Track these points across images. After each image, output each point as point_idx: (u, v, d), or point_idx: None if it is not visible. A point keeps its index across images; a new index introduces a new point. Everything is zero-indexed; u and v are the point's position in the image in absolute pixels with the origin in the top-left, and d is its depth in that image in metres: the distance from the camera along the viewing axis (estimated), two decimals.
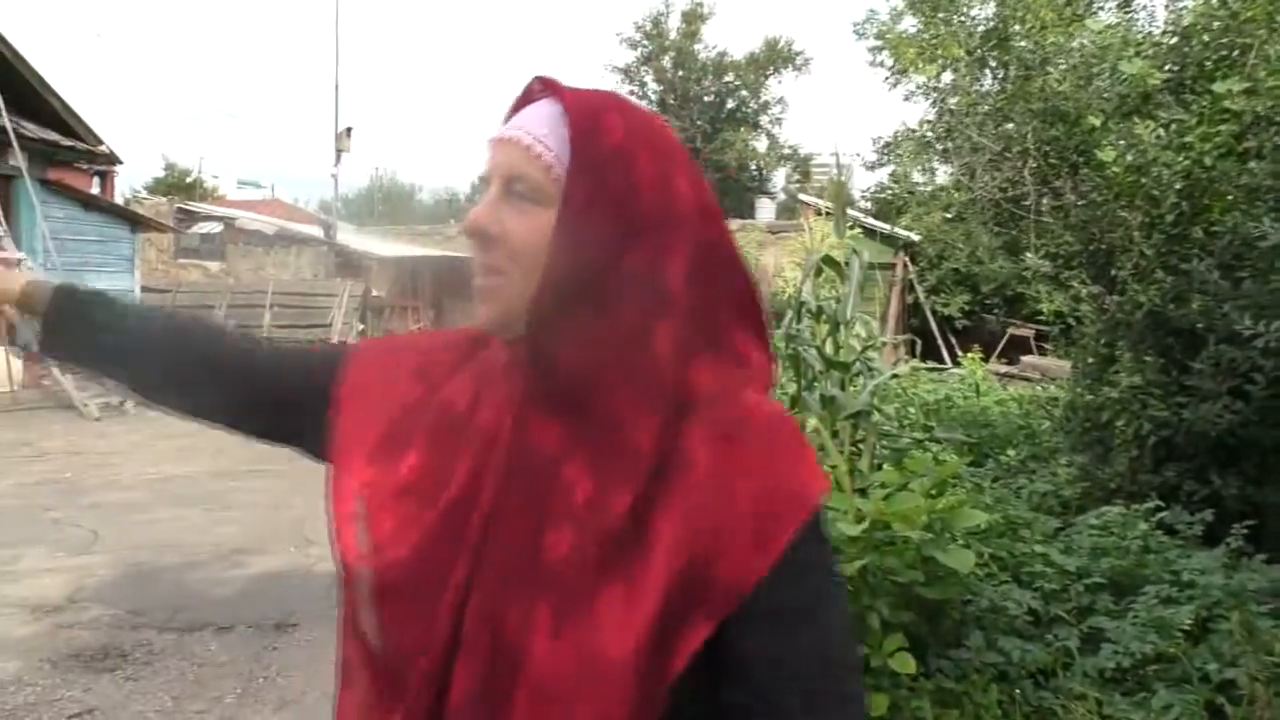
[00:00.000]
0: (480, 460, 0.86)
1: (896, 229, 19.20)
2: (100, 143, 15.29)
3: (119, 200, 19.02)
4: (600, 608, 0.79)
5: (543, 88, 0.90)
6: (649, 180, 0.85)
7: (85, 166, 15.96)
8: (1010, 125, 7.65)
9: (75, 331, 1.12)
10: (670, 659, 0.79)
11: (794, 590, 0.81)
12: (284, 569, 5.84)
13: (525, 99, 0.91)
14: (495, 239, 0.85)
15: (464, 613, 0.82)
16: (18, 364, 13.08)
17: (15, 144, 12.88)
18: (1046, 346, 15.52)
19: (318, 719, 3.89)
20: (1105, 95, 5.88)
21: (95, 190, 16.57)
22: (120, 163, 16.32)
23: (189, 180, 34.96)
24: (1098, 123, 5.80)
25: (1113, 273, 5.34)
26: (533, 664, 0.79)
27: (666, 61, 36.03)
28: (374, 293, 22.69)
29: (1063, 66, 6.70)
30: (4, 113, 12.75)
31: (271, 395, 1.08)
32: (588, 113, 0.85)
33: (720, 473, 0.82)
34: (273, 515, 7.17)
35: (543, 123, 0.86)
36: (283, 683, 4.20)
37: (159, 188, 33.50)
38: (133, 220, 17.00)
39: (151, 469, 8.92)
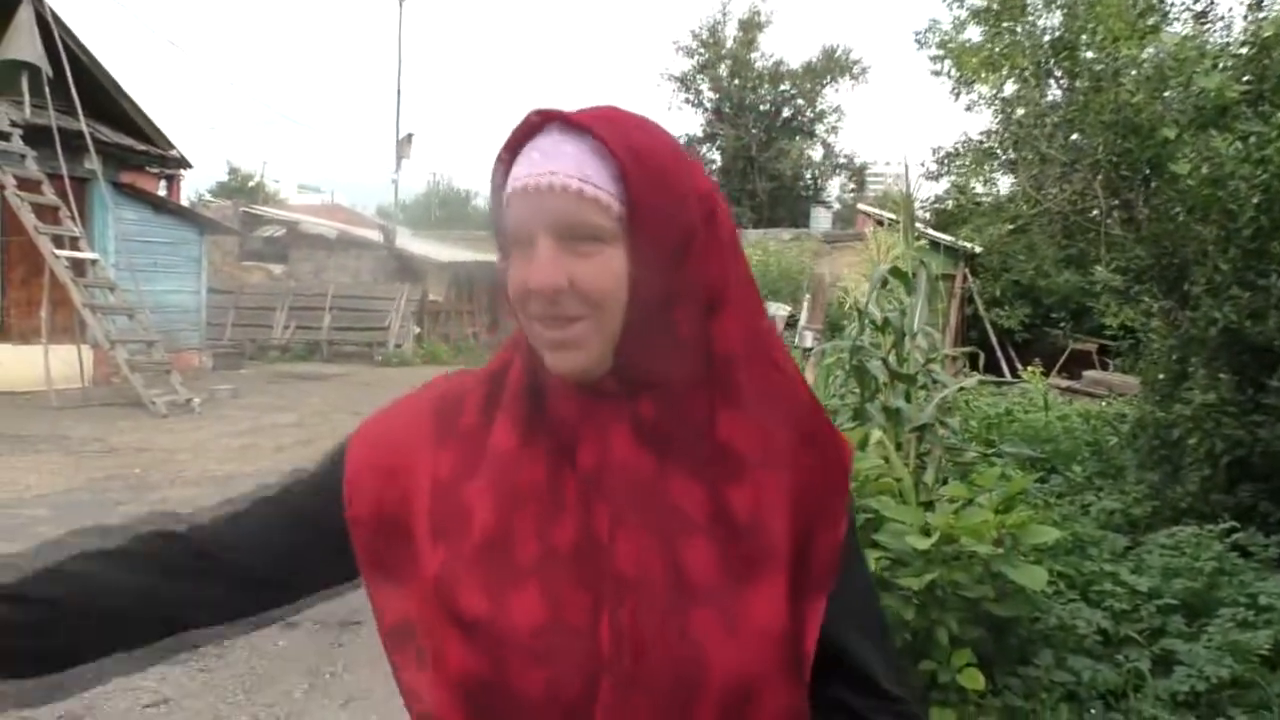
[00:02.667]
0: (582, 499, 0.85)
1: (957, 240, 18.97)
2: (171, 147, 15.71)
3: (185, 204, 19.52)
4: (756, 600, 0.85)
5: (546, 120, 0.86)
6: (682, 192, 0.86)
7: (156, 170, 16.39)
8: (1079, 137, 7.53)
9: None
10: (804, 636, 0.88)
11: (851, 541, 0.95)
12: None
13: (526, 134, 0.86)
14: (565, 291, 0.83)
15: (623, 649, 0.82)
16: (88, 360, 13.48)
17: (91, 148, 13.29)
18: (1110, 361, 15.22)
19: (386, 714, 3.96)
20: (1180, 107, 5.77)
21: (162, 193, 17.01)
22: (189, 166, 16.74)
23: (252, 184, 35.71)
24: (1172, 135, 5.68)
25: (1186, 287, 5.23)
26: (715, 671, 0.82)
27: (723, 70, 36.00)
28: (431, 296, 22.98)
29: (1135, 77, 6.58)
30: (81, 117, 13.16)
31: (296, 561, 0.99)
32: (623, 138, 0.84)
33: (796, 459, 0.90)
34: None
35: (581, 161, 0.82)
36: (349, 679, 4.28)
37: (223, 191, 34.28)
38: (201, 223, 17.43)
39: (216, 466, 9.13)
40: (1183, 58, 5.92)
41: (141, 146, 15.27)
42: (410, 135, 24.67)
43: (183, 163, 16.50)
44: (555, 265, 0.83)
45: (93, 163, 13.55)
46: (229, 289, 21.31)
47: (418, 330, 21.84)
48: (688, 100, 37.12)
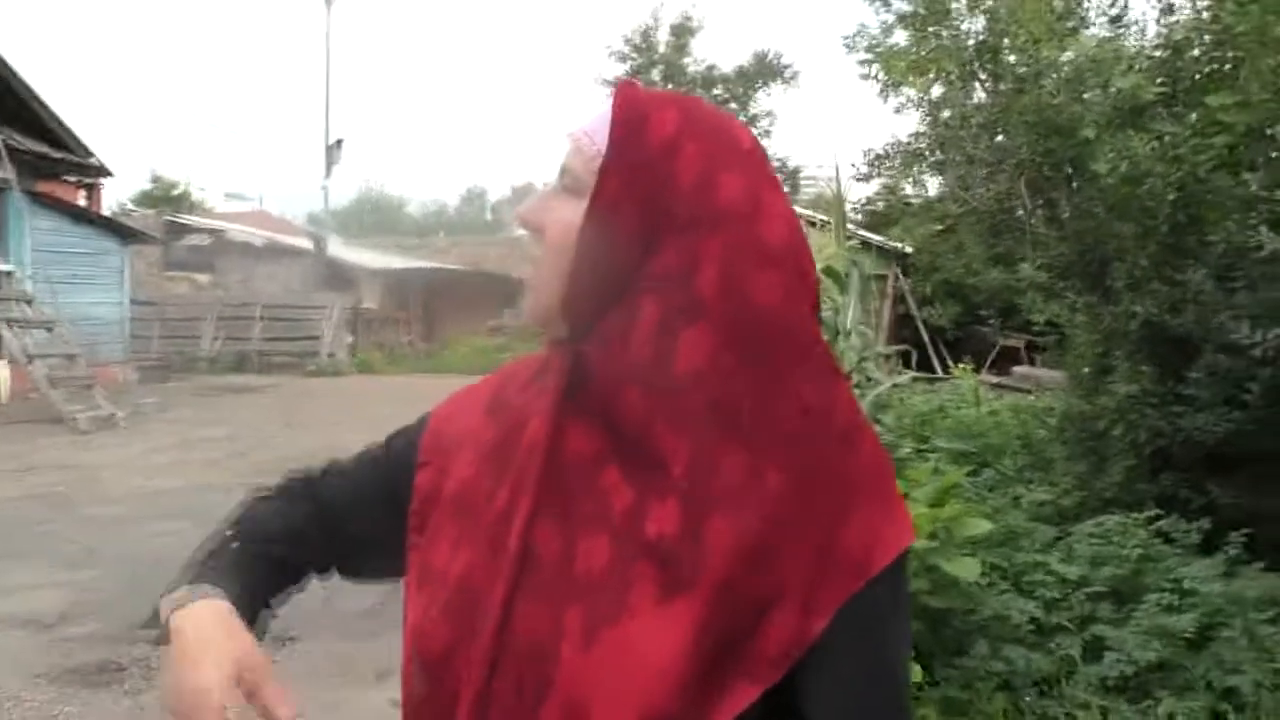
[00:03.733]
0: (521, 470, 0.84)
1: (888, 240, 19.30)
2: (90, 155, 15.26)
3: (106, 213, 18.97)
4: (636, 625, 0.75)
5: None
6: (691, 177, 0.80)
7: (74, 179, 15.92)
8: (1003, 138, 7.71)
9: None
10: (713, 711, 0.74)
11: (857, 652, 0.77)
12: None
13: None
14: (537, 230, 0.85)
15: (505, 626, 0.80)
16: (5, 376, 13.01)
17: (4, 155, 12.85)
18: (1037, 356, 15.60)
19: None
20: (1099, 108, 5.94)
21: (82, 202, 16.52)
22: (110, 175, 16.29)
23: (176, 193, 34.86)
24: (1092, 135, 5.84)
25: (1107, 283, 5.38)
26: (561, 676, 0.76)
27: (656, 75, 36.16)
28: (364, 304, 22.66)
29: (1056, 80, 6.76)
30: None
31: (376, 530, 0.98)
32: (636, 106, 0.82)
33: (771, 512, 0.76)
34: None
35: (597, 117, 0.84)
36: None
37: (146, 201, 33.39)
38: (122, 233, 16.96)
39: (144, 482, 8.87)
40: (1100, 60, 6.10)
41: (58, 154, 14.80)
42: (340, 141, 24.32)
43: (103, 171, 16.05)
44: (541, 201, 0.85)
45: (5, 171, 13.09)
46: (154, 300, 20.76)
47: (351, 339, 21.50)
48: None
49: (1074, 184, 6.29)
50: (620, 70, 36.17)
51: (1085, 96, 6.20)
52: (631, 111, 0.82)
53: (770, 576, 0.75)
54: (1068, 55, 7.46)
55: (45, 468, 9.55)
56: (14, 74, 13.74)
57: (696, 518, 0.76)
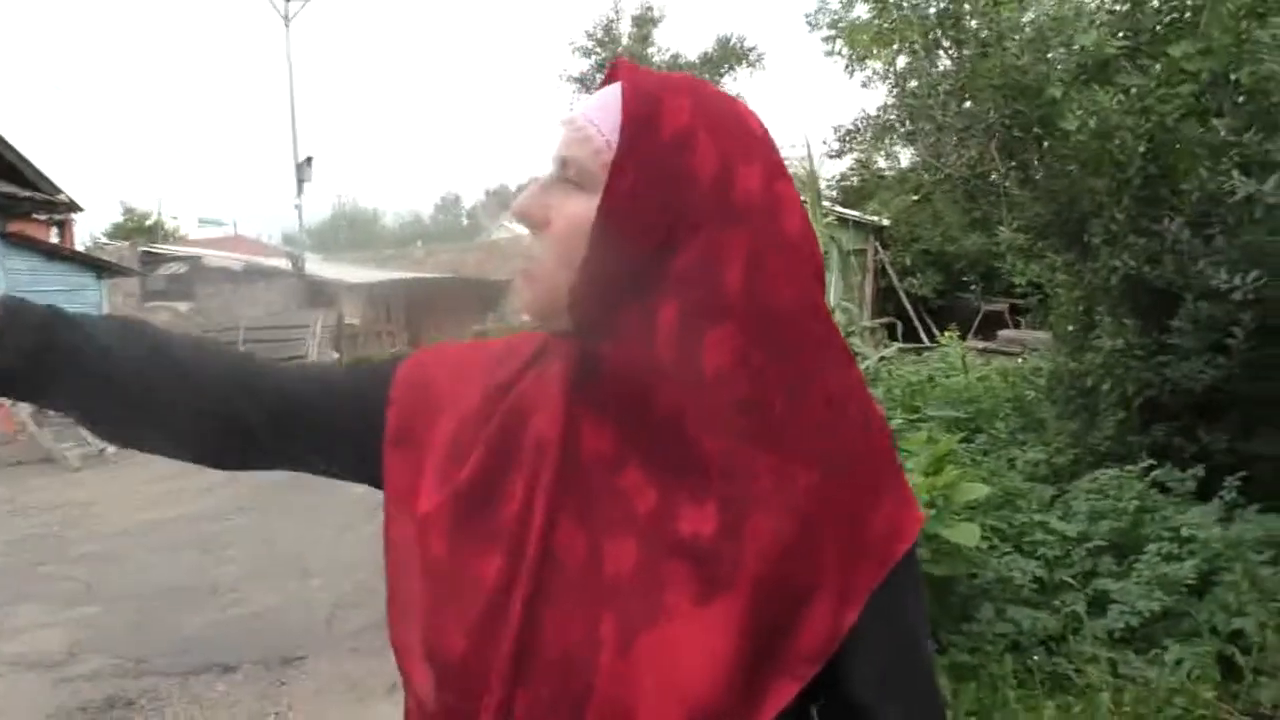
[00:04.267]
0: (533, 468, 0.81)
1: (865, 215, 19.33)
2: (58, 191, 15.13)
3: (80, 248, 18.82)
4: (676, 627, 0.74)
5: (618, 71, 0.83)
6: (707, 172, 0.77)
7: (44, 217, 15.78)
8: (971, 103, 7.71)
9: (46, 368, 0.89)
10: (758, 705, 0.75)
11: (885, 631, 0.79)
12: (284, 603, 5.79)
13: (606, 82, 0.84)
14: (539, 224, 0.80)
15: (528, 632, 0.78)
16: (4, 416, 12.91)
17: None
18: (1021, 319, 15.66)
19: None
20: (1063, 66, 5.94)
21: (54, 240, 16.38)
22: (80, 210, 16.16)
23: (149, 223, 34.63)
24: (1058, 94, 5.84)
25: (1085, 239, 5.38)
26: (601, 682, 0.75)
27: None
28: (347, 320, 22.59)
29: (1019, 41, 6.76)
30: None
31: (305, 414, 0.94)
32: (647, 95, 0.78)
33: (804, 510, 0.76)
34: (268, 550, 7.11)
35: (601, 105, 0.80)
36: (294, 717, 4.17)
37: (119, 233, 33.17)
38: (98, 267, 16.83)
39: (138, 515, 8.82)
40: (1061, 18, 6.10)
41: (26, 193, 14.66)
42: (310, 158, 24.14)
43: (73, 206, 15.92)
44: (540, 192, 0.81)
45: None
46: None
47: (336, 355, 21.42)
48: None
49: (1044, 143, 6.29)
50: (584, 65, 36.10)
51: (1049, 56, 6.20)
52: (642, 101, 0.78)
53: (805, 572, 0.76)
54: (1029, 16, 7.46)
55: (39, 508, 9.48)
56: None
57: (734, 517, 0.75)
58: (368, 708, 4.21)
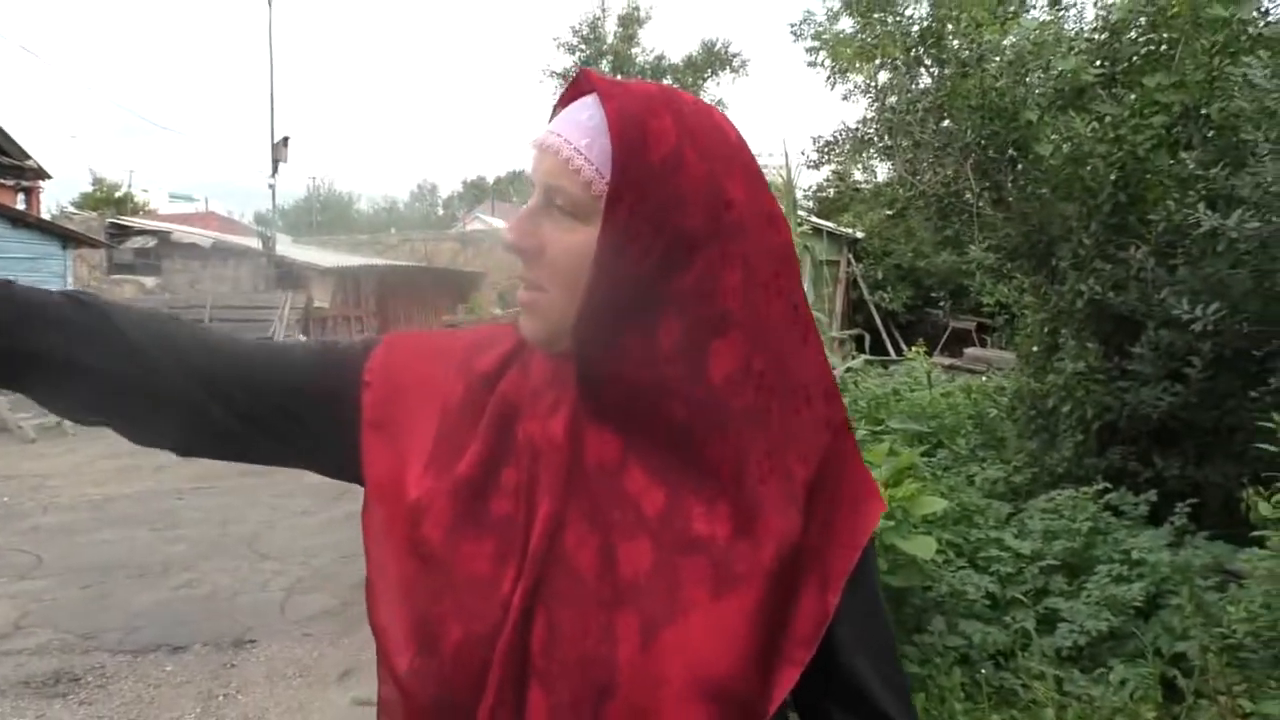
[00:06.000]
0: (531, 470, 0.83)
1: (839, 226, 19.45)
2: (27, 157, 14.89)
3: (46, 217, 18.52)
4: (695, 621, 0.78)
5: (588, 84, 0.84)
6: (698, 192, 0.79)
7: (11, 182, 15.51)
8: (948, 122, 7.79)
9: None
10: (770, 691, 0.80)
11: (857, 607, 0.85)
12: (238, 586, 5.74)
13: (572, 94, 0.85)
14: (534, 254, 0.82)
15: (530, 629, 0.79)
16: None
17: None
18: (988, 338, 15.83)
19: None
20: (1040, 90, 6.02)
21: (20, 206, 16.11)
22: (48, 177, 15.91)
23: (118, 195, 34.12)
24: (1034, 117, 5.93)
25: (1053, 263, 5.47)
26: (623, 680, 0.77)
27: (605, 65, 36.05)
28: (316, 303, 22.39)
29: (998, 63, 6.84)
30: None
31: (270, 401, 0.91)
32: (633, 121, 0.79)
33: (807, 504, 0.82)
34: (223, 531, 7.04)
35: (585, 130, 0.81)
36: (244, 700, 4.13)
37: (88, 203, 32.65)
38: (64, 236, 16.57)
39: (93, 489, 8.70)
40: (1040, 43, 6.18)
41: None
42: (286, 138, 23.92)
43: (41, 173, 15.67)
44: (530, 221, 0.83)
45: None
46: None
47: (304, 338, 21.22)
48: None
49: (1018, 166, 6.37)
50: (568, 61, 36.04)
51: (1027, 79, 6.29)
52: (629, 126, 0.79)
53: (799, 563, 0.81)
54: (1010, 39, 7.56)
55: None
56: None
57: (747, 518, 0.80)
58: (318, 693, 4.18)
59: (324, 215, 47.52)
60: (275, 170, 23.93)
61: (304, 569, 6.03)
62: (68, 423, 11.71)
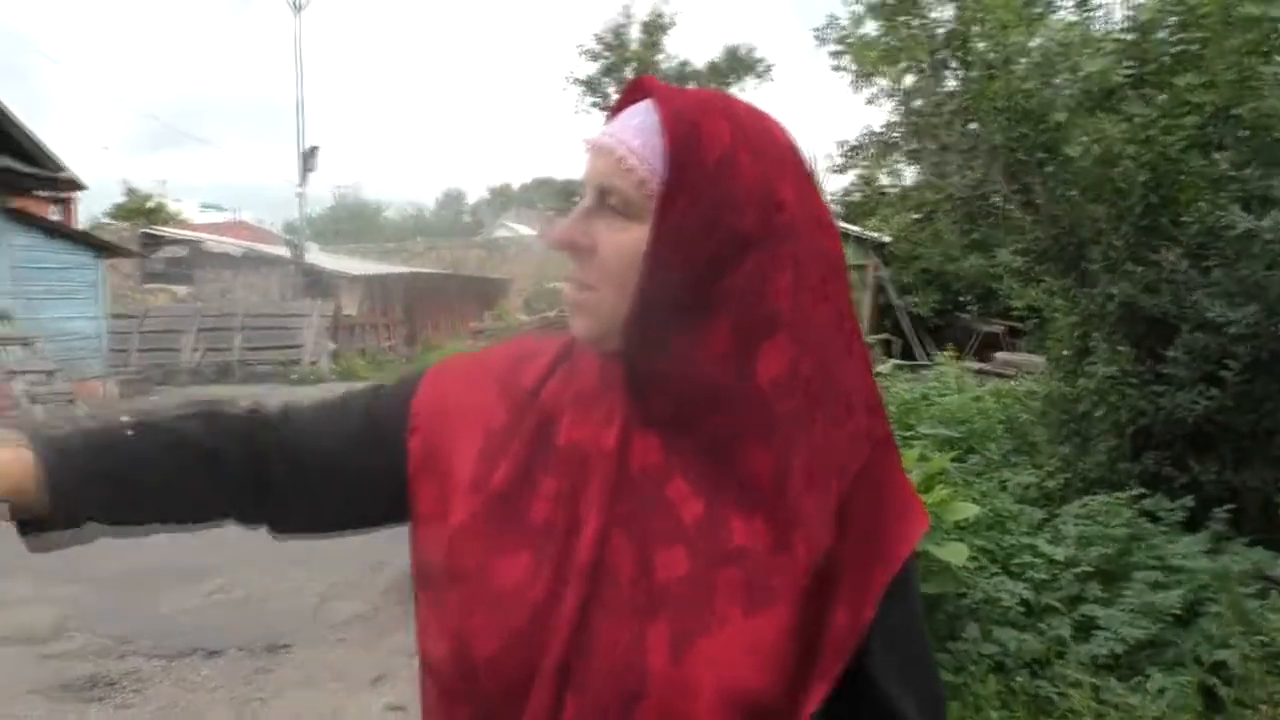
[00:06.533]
0: (576, 477, 0.83)
1: (866, 230, 19.37)
2: (62, 168, 15.11)
3: (80, 227, 18.81)
4: (728, 633, 0.78)
5: (644, 89, 0.85)
6: (751, 193, 0.80)
7: (47, 194, 15.76)
8: (976, 124, 7.75)
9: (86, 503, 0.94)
10: (800, 704, 0.79)
11: (896, 624, 0.85)
12: (271, 591, 5.79)
13: (628, 99, 0.86)
14: (586, 252, 0.82)
15: (577, 637, 0.79)
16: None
17: None
18: (1016, 342, 15.69)
19: None
20: (1069, 92, 5.98)
21: (56, 217, 16.37)
22: (83, 188, 16.14)
23: (151, 205, 34.57)
24: (1063, 119, 5.89)
25: (1083, 266, 5.42)
26: (653, 689, 0.77)
27: (629, 72, 36.09)
28: (345, 311, 22.57)
29: (1025, 65, 6.80)
30: None
31: (330, 471, 0.95)
32: (687, 122, 0.80)
33: (845, 516, 0.81)
34: (255, 538, 7.08)
35: (638, 131, 0.82)
36: (278, 704, 4.17)
37: (120, 213, 33.09)
38: (98, 246, 16.82)
39: None
40: (1068, 44, 6.14)
41: (30, 169, 14.64)
42: (315, 148, 24.19)
43: (76, 185, 15.90)
44: (583, 221, 0.83)
45: None
46: (132, 313, 20.59)
47: (333, 346, 21.41)
48: (595, 104, 37.16)
49: (1047, 168, 6.33)
50: (592, 69, 36.11)
51: (1055, 81, 6.25)
52: (683, 128, 0.80)
53: (835, 577, 0.80)
54: (1036, 41, 7.51)
55: None
56: None
57: (784, 532, 0.79)
58: (351, 698, 4.21)
59: (352, 223, 47.92)
60: (304, 179, 24.16)
61: (336, 575, 6.07)
62: None
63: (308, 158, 23.74)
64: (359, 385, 1.05)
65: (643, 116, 0.82)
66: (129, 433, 0.93)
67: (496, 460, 0.87)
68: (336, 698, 4.23)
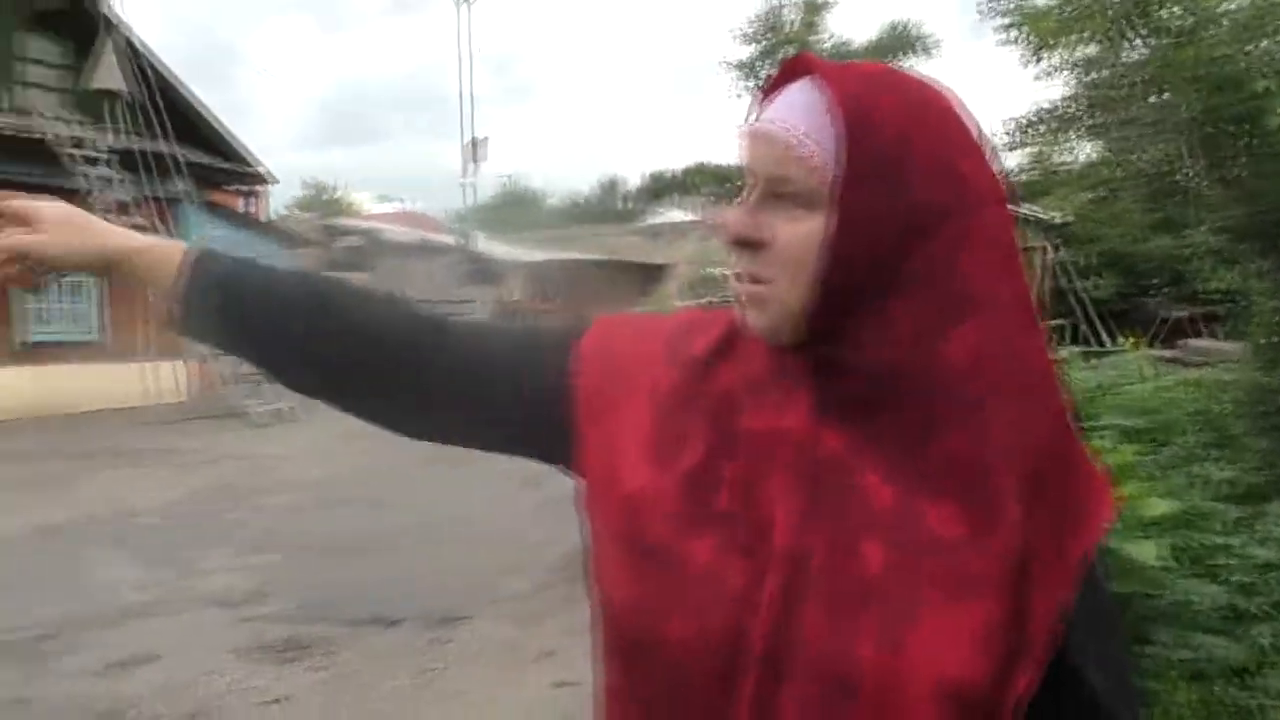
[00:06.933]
0: (759, 465, 0.82)
1: (1040, 211, 18.50)
2: (255, 164, 16.20)
3: (269, 219, 20.11)
4: (935, 624, 0.76)
5: (802, 68, 0.81)
6: (931, 169, 0.77)
7: (241, 188, 16.92)
8: (1165, 95, 7.27)
9: (229, 311, 0.95)
10: (1009, 692, 0.77)
11: (1095, 609, 0.81)
12: (449, 564, 6.06)
13: (783, 79, 0.83)
14: (761, 245, 0.80)
15: (780, 625, 0.78)
16: (185, 375, 13.98)
17: (184, 169, 13.80)
18: (1205, 328, 14.66)
19: (489, 710, 4.03)
20: (1271, 59, 5.53)
21: (247, 210, 17.56)
22: (275, 182, 17.26)
23: (330, 197, 36.56)
24: (1266, 87, 5.45)
25: None
26: (867, 682, 0.76)
27: (785, 55, 35.49)
28: (515, 297, 23.29)
29: (1220, 30, 6.33)
30: (170, 140, 13.65)
31: (485, 376, 0.95)
32: (859, 101, 0.77)
33: (1040, 497, 0.78)
34: (440, 510, 7.45)
35: (806, 113, 0.78)
36: (455, 674, 4.36)
37: (303, 205, 35.15)
38: (284, 237, 17.96)
39: (315, 470, 9.40)
40: (1267, 6, 5.68)
41: (226, 165, 15.77)
42: (485, 138, 25.07)
43: (267, 178, 17.01)
44: (753, 212, 0.81)
45: (182, 183, 14.05)
46: None
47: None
48: (750, 88, 36.76)
49: (1246, 140, 5.87)
50: (747, 52, 35.76)
51: (1255, 47, 5.78)
52: (856, 108, 0.77)
53: (1030, 563, 0.78)
54: (1230, 5, 6.97)
55: (227, 459, 10.24)
56: (187, 92, 14.73)
57: (981, 514, 0.77)
58: (520, 673, 4.36)
59: (515, 211, 49.26)
60: (473, 169, 25.01)
61: (512, 550, 6.29)
62: (292, 408, 12.74)
63: (476, 148, 24.56)
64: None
65: (806, 97, 0.79)
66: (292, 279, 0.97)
67: (679, 434, 0.86)
68: (506, 671, 4.40)
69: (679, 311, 0.99)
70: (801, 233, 0.78)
